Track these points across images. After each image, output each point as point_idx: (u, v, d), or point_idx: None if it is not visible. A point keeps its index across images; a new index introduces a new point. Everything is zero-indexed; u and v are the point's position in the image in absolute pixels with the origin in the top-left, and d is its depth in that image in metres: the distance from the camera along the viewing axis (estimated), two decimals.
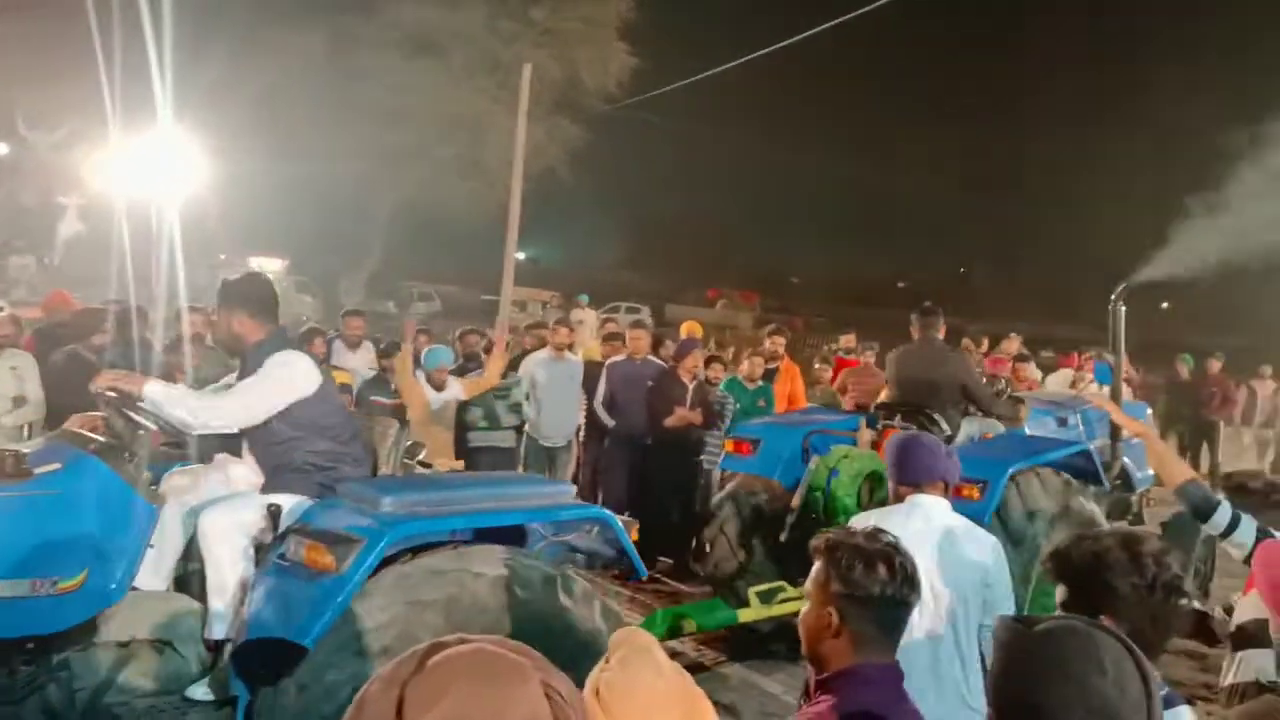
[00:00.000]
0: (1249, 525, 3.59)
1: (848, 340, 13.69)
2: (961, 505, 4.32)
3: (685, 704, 1.89)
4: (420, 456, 5.45)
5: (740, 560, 7.00)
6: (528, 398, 9.13)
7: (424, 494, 4.21)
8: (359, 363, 9.39)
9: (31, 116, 22.89)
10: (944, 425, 6.82)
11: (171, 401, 4.09)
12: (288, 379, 4.29)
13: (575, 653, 3.44)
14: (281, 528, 4.12)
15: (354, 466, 4.46)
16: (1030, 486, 6.48)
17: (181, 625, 4.07)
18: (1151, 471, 9.12)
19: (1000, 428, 7.54)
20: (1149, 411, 11.26)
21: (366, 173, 25.58)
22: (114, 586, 3.97)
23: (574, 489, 4.90)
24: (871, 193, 71.55)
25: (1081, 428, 8.81)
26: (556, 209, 38.88)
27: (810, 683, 2.36)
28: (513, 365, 9.37)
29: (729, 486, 7.38)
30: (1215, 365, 14.85)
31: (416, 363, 8.23)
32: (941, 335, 7.37)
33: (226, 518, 4.12)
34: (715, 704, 1.97)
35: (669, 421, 8.72)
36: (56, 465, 3.96)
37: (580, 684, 1.85)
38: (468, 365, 9.18)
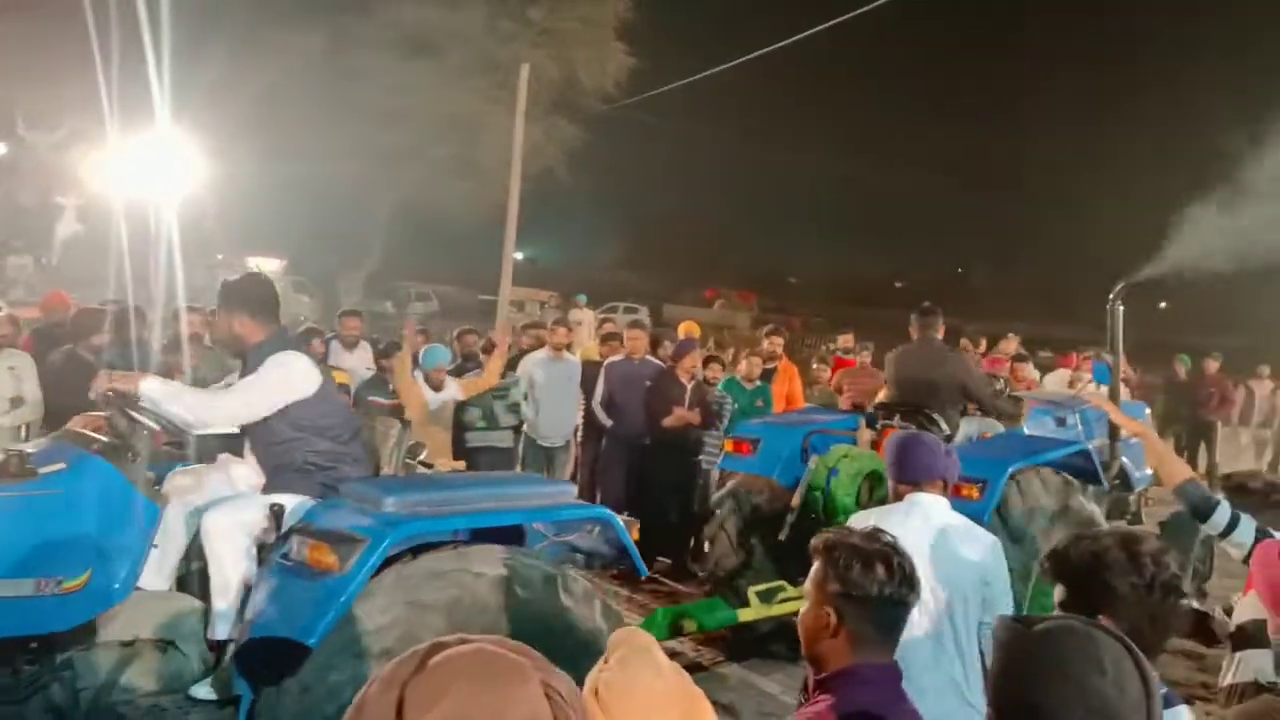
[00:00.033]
0: (1248, 525, 3.59)
1: (845, 340, 13.70)
2: (961, 504, 4.33)
3: (684, 704, 1.89)
4: (421, 457, 5.46)
5: (740, 560, 7.00)
6: (526, 398, 9.13)
7: (426, 494, 4.23)
8: (356, 363, 9.39)
9: (30, 116, 22.86)
10: (943, 425, 6.83)
11: (168, 398, 4.10)
12: (286, 379, 4.30)
13: (576, 652, 3.44)
14: (284, 527, 4.13)
15: (354, 466, 4.47)
16: (1029, 486, 6.49)
17: (184, 625, 4.08)
18: (1150, 471, 9.14)
19: (999, 427, 7.55)
20: (1147, 411, 11.27)
21: (364, 173, 25.53)
22: (118, 586, 3.98)
23: (575, 489, 4.91)
24: (869, 193, 71.74)
25: (1080, 427, 8.83)
26: (554, 209, 38.88)
27: (809, 682, 2.36)
28: (510, 365, 9.37)
29: (728, 486, 7.38)
30: (1213, 365, 14.86)
31: (415, 363, 8.23)
32: (941, 335, 7.38)
33: (229, 518, 4.13)
34: (713, 704, 1.97)
35: (667, 421, 8.72)
36: (61, 465, 3.98)
37: (581, 683, 1.85)
38: (465, 365, 9.19)
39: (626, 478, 8.95)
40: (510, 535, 4.36)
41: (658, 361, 9.59)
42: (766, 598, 6.46)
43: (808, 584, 2.38)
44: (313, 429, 4.35)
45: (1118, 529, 2.79)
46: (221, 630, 4.04)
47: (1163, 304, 42.81)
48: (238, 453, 4.65)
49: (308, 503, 4.25)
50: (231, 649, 3.94)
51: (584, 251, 60.28)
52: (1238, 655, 3.53)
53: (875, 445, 6.77)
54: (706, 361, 9.35)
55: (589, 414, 9.49)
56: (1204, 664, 6.70)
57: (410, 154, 25.46)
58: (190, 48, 16.74)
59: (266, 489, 4.38)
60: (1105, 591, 2.33)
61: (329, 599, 3.68)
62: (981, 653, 3.51)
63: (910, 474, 3.76)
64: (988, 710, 1.83)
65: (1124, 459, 8.04)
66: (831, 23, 16.64)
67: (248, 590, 4.03)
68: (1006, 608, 3.61)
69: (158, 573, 4.21)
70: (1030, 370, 11.39)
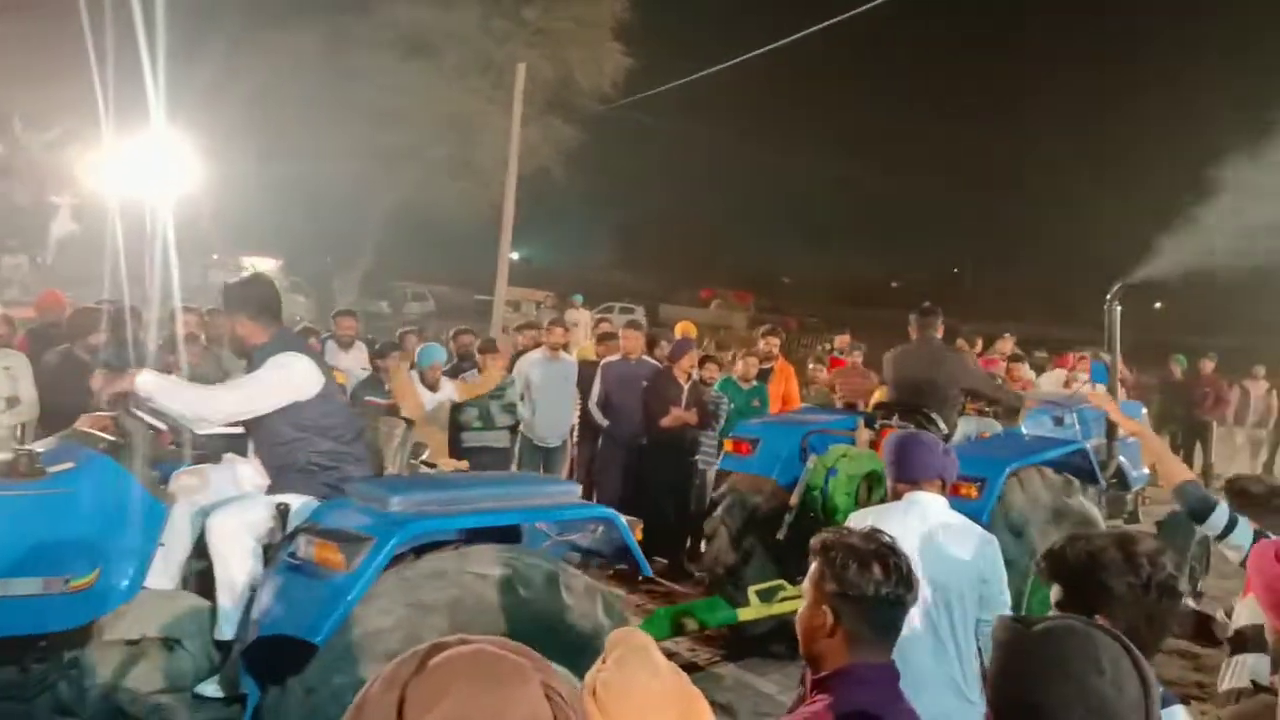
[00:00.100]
0: (1245, 527, 3.60)
1: (842, 341, 13.73)
2: (959, 503, 4.34)
3: (682, 704, 1.89)
4: (424, 456, 5.48)
5: (738, 559, 7.00)
6: (522, 398, 9.13)
7: (432, 493, 4.25)
8: (351, 363, 9.38)
9: (25, 116, 22.82)
10: (941, 424, 6.84)
11: (164, 393, 4.13)
12: (285, 380, 4.31)
13: (580, 649, 3.46)
14: (290, 527, 4.15)
15: (357, 466, 4.50)
16: (1028, 485, 6.51)
17: (190, 624, 4.11)
18: (1147, 470, 9.17)
19: (997, 427, 7.58)
20: (1144, 411, 11.30)
21: (360, 173, 25.51)
22: (125, 585, 4.02)
23: (579, 489, 4.92)
24: (865, 193, 71.76)
25: (1078, 427, 8.86)
26: (550, 209, 38.89)
27: (807, 682, 2.37)
28: (506, 366, 9.37)
29: (727, 485, 7.39)
30: (1208, 365, 14.89)
31: (411, 365, 8.24)
32: (940, 335, 7.40)
33: (235, 518, 4.16)
34: (710, 703, 1.97)
35: (665, 421, 8.72)
36: (69, 464, 4.02)
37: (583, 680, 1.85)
38: (462, 365, 9.19)
39: (623, 478, 8.95)
40: (508, 534, 4.37)
41: (654, 362, 9.58)
42: (766, 597, 6.46)
43: (805, 583, 2.39)
44: (315, 429, 4.38)
45: (1114, 529, 2.80)
46: (227, 630, 4.06)
47: (1158, 304, 42.87)
48: (242, 453, 4.68)
49: (313, 502, 4.27)
50: (238, 647, 3.95)
51: (580, 251, 60.31)
52: (1235, 659, 3.53)
53: (874, 445, 6.77)
54: (703, 362, 9.36)
55: (585, 414, 9.49)
56: (1199, 663, 6.71)
57: (406, 154, 25.44)
58: (186, 47, 16.74)
59: (271, 489, 4.40)
60: (1102, 591, 2.33)
61: (336, 598, 3.70)
62: (980, 650, 3.53)
63: (909, 473, 3.78)
64: (987, 710, 1.84)
65: (1121, 458, 8.07)
66: (827, 23, 16.64)
67: (253, 590, 4.05)
68: (1004, 606, 3.63)
69: (163, 572, 4.23)
70: (1026, 370, 11.43)
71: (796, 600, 2.44)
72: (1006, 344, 12.93)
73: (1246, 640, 3.49)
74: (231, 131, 21.35)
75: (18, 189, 24.02)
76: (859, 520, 3.67)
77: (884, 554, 2.32)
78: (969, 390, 7.33)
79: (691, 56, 23.00)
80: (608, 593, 4.33)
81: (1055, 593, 2.45)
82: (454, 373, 8.90)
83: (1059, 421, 8.91)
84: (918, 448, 3.83)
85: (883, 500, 4.68)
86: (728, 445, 7.48)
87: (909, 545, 2.44)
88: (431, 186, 26.63)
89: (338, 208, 27.43)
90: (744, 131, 69.91)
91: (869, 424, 7.18)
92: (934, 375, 7.08)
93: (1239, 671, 3.49)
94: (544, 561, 4.16)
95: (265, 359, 4.35)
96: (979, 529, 3.80)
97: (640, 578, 7.42)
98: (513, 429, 9.06)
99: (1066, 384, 11.95)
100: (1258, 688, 3.33)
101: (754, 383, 9.63)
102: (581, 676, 1.91)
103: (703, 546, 7.66)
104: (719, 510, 7.20)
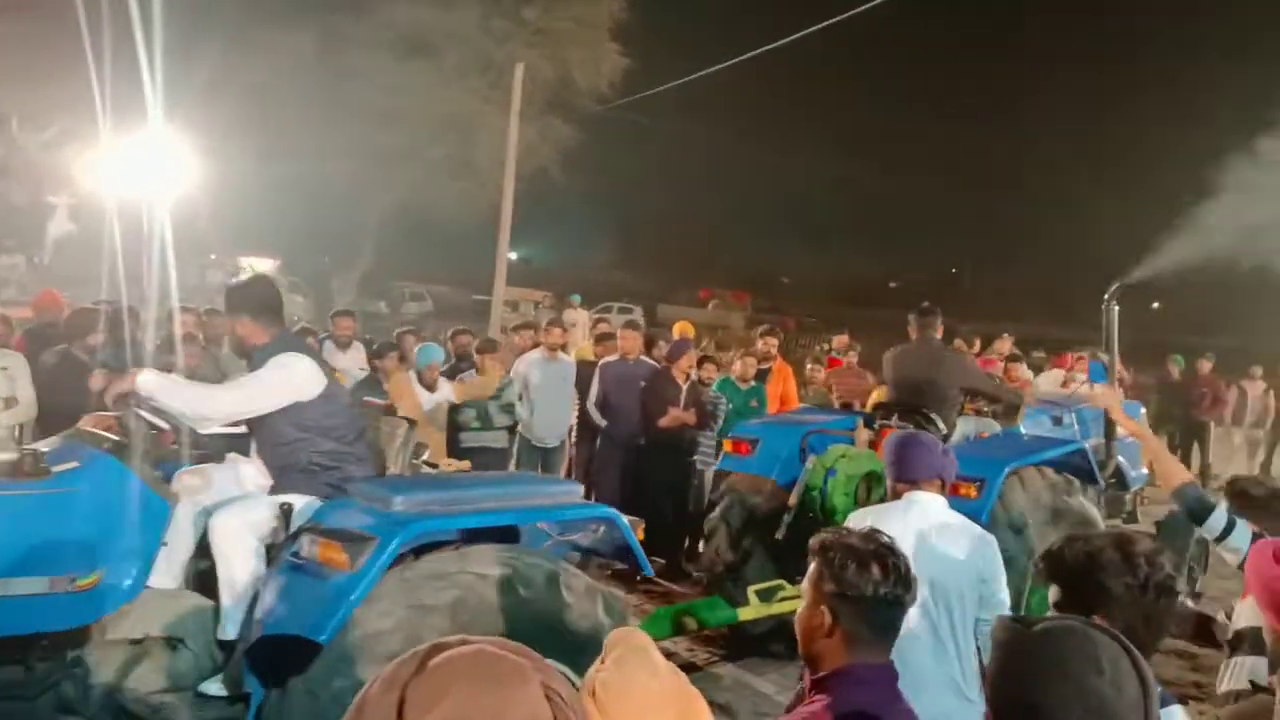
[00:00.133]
0: (1244, 530, 3.60)
1: (840, 341, 13.75)
2: (959, 503, 4.36)
3: (680, 704, 1.89)
4: (425, 457, 5.50)
5: (738, 559, 7.00)
6: (520, 398, 9.12)
7: (434, 493, 4.26)
8: (349, 363, 9.38)
9: (22, 115, 22.80)
10: (940, 425, 6.85)
11: (165, 392, 4.14)
12: (286, 380, 4.32)
13: (581, 649, 3.46)
14: (293, 527, 4.17)
15: (358, 466, 4.51)
16: (1027, 485, 6.52)
17: (193, 623, 4.12)
18: (1146, 470, 9.18)
19: (996, 427, 7.59)
20: (1143, 411, 11.31)
21: (358, 173, 25.48)
22: (129, 584, 4.03)
23: (581, 489, 4.93)
24: (863, 193, 71.76)
25: (1077, 427, 8.87)
26: (548, 209, 38.85)
27: (805, 682, 2.37)
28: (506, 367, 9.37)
29: (726, 485, 7.39)
30: (1206, 366, 14.90)
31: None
32: (939, 335, 7.41)
33: (238, 518, 4.18)
34: (709, 704, 1.97)
35: (663, 422, 8.72)
36: (74, 464, 4.04)
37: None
38: (460, 365, 9.18)
39: (621, 478, 8.94)
40: (507, 534, 4.37)
41: (652, 362, 9.58)
42: (766, 596, 6.47)
43: (804, 584, 2.39)
44: (317, 429, 4.39)
45: (1111, 530, 2.80)
46: (230, 629, 4.07)
47: (1155, 304, 42.91)
48: (245, 453, 4.70)
49: (316, 502, 4.29)
50: (241, 646, 3.97)
51: (578, 251, 60.32)
52: (1234, 660, 3.53)
53: (874, 445, 6.78)
54: (701, 362, 9.36)
55: (583, 414, 9.49)
56: (1196, 663, 6.72)
57: (405, 154, 25.42)
58: (183, 46, 16.70)
59: (273, 489, 4.42)
60: (1100, 592, 2.34)
61: (339, 597, 3.71)
62: (979, 649, 3.54)
63: (908, 473, 3.80)
64: (986, 710, 1.84)
65: (1120, 458, 8.08)
66: (825, 24, 16.64)
67: (256, 589, 4.06)
68: (1003, 605, 3.64)
69: (166, 571, 4.25)
70: (1024, 370, 11.44)
71: (796, 600, 2.44)
72: (1004, 344, 12.95)
73: (1246, 642, 3.49)
74: (229, 131, 21.33)
75: (15, 189, 24.01)
76: (858, 520, 3.68)
77: (882, 554, 2.32)
78: (969, 389, 7.34)
79: (690, 57, 23.04)
80: (608, 593, 4.34)
81: (1053, 593, 2.45)
82: (452, 373, 8.90)
83: (1058, 421, 8.93)
84: (917, 448, 3.84)
85: (882, 500, 4.68)
86: (727, 445, 7.48)
87: (908, 545, 2.45)
88: (430, 186, 26.60)
89: (336, 207, 27.41)
90: (742, 131, 70.05)
91: (868, 424, 7.19)
92: (933, 375, 7.09)
93: (1238, 672, 3.49)
94: (544, 561, 4.17)
95: (267, 359, 4.36)
96: (978, 529, 3.82)
97: (638, 578, 7.42)
98: (511, 429, 9.05)
99: (1064, 384, 11.95)
100: (1256, 688, 3.33)
101: (752, 383, 9.63)
102: (583, 676, 1.92)
103: (701, 546, 7.66)
104: (718, 510, 7.20)
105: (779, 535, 6.70)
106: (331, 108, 24.11)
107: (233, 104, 21.86)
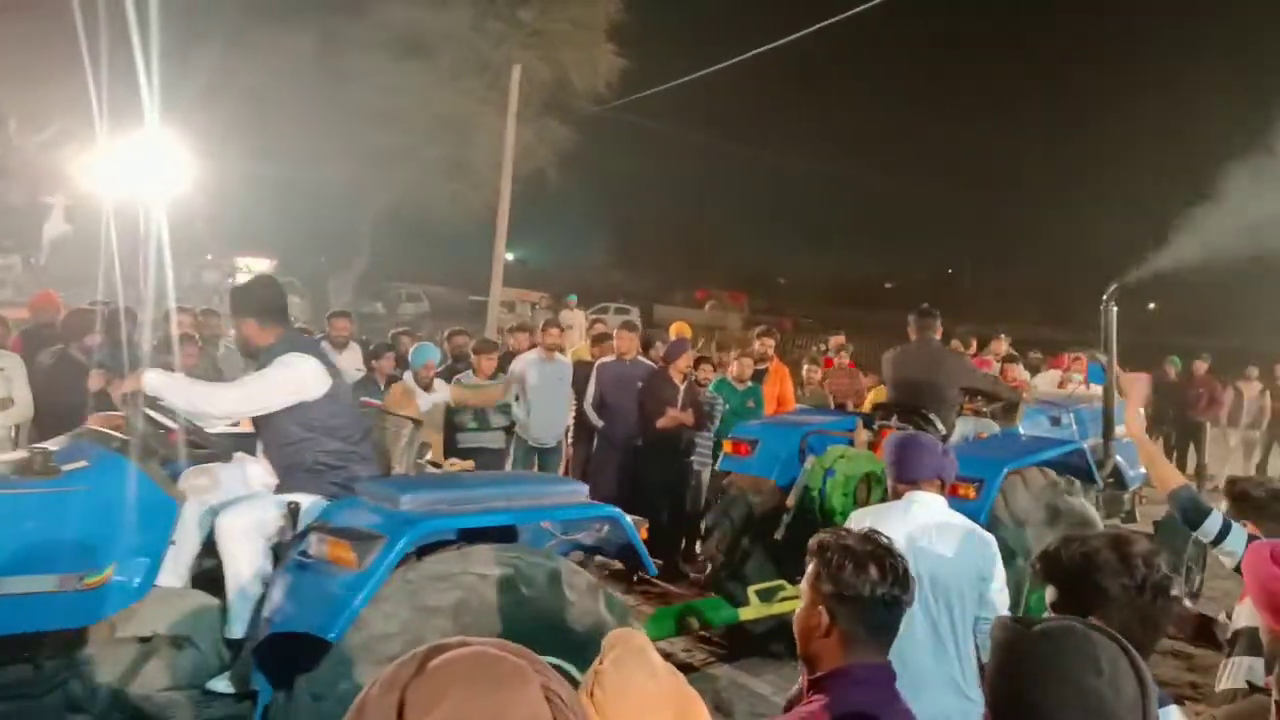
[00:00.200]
0: (1239, 534, 3.60)
1: (836, 341, 13.76)
2: (958, 503, 4.37)
3: (678, 704, 1.90)
4: (428, 456, 5.51)
5: (737, 560, 7.00)
6: (517, 399, 9.12)
7: (441, 492, 4.29)
8: (346, 364, 9.35)
9: (19, 116, 22.77)
10: (939, 425, 6.86)
11: (170, 390, 4.18)
12: (289, 379, 4.34)
13: (584, 648, 3.46)
14: (300, 526, 4.18)
15: (364, 465, 4.53)
16: (1026, 485, 6.53)
17: (201, 621, 4.14)
18: (1144, 470, 9.19)
19: (995, 427, 7.60)
20: (1141, 411, 11.31)
21: (355, 173, 25.47)
22: (138, 582, 4.05)
23: (586, 488, 4.94)
24: (860, 193, 71.82)
25: (1075, 427, 8.88)
26: (545, 210, 38.84)
27: (804, 682, 2.37)
28: (501, 366, 9.36)
29: (725, 485, 7.39)
30: (1202, 366, 14.92)
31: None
32: (938, 336, 7.42)
33: (245, 518, 4.19)
34: (707, 704, 1.98)
35: (661, 422, 8.71)
36: (83, 463, 4.07)
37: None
38: (456, 366, 9.18)
39: (618, 479, 8.93)
40: (507, 534, 4.38)
41: (649, 362, 9.57)
42: (767, 596, 6.47)
43: (803, 584, 2.39)
44: (323, 429, 4.41)
45: (1110, 530, 2.80)
46: (237, 628, 4.09)
47: (1152, 305, 42.98)
48: (251, 452, 4.72)
49: (322, 502, 4.31)
50: (249, 645, 3.98)
51: (575, 252, 60.33)
52: (1232, 660, 3.54)
53: (873, 446, 6.79)
54: (698, 363, 9.36)
55: (580, 415, 9.48)
56: (1192, 663, 6.73)
57: (401, 155, 25.40)
58: (180, 48, 16.72)
59: (279, 488, 4.44)
60: (1096, 593, 2.34)
61: (348, 595, 3.72)
62: (978, 648, 3.55)
63: (908, 473, 3.81)
64: (985, 710, 1.84)
65: (1118, 458, 8.09)
66: (822, 24, 16.66)
67: (263, 588, 4.08)
68: (1002, 605, 3.65)
69: (174, 570, 4.26)
70: (1020, 371, 11.44)
71: (796, 600, 2.44)
72: (1001, 345, 12.97)
73: (1244, 643, 3.49)
74: (226, 132, 21.31)
75: (12, 189, 23.99)
76: (858, 520, 3.69)
77: (880, 555, 2.32)
78: (969, 388, 7.35)
79: (686, 58, 23.04)
80: (610, 591, 4.35)
81: (1050, 594, 2.45)
82: (448, 374, 8.89)
83: (1056, 422, 8.93)
84: (917, 448, 3.86)
85: (881, 500, 4.69)
86: (727, 446, 7.48)
87: (908, 545, 2.44)
88: (426, 187, 26.60)
89: (332, 208, 27.40)
90: (739, 132, 70.10)
91: (868, 425, 7.20)
92: (933, 376, 7.11)
93: (1235, 673, 3.49)
94: (547, 560, 4.19)
95: (273, 359, 4.38)
96: (977, 528, 3.82)
97: (635, 578, 7.43)
98: (508, 430, 9.05)
99: (1061, 385, 11.97)
100: (1253, 689, 3.33)
101: (749, 384, 9.63)
102: (586, 671, 1.92)
103: (698, 547, 7.66)
104: (717, 511, 7.20)
105: (778, 536, 6.70)
106: (328, 109, 24.09)
107: (229, 105, 21.85)
